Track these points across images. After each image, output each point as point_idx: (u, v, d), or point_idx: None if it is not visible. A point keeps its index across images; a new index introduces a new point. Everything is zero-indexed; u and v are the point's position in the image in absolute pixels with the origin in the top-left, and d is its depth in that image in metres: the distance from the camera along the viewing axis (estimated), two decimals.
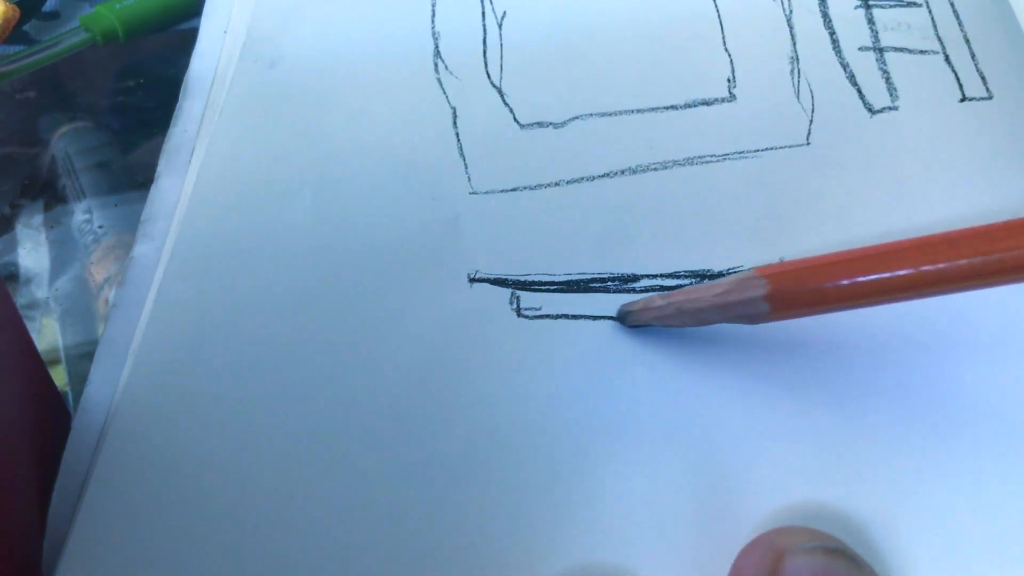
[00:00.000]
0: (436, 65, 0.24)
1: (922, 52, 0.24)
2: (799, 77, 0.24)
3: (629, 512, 0.18)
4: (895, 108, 0.23)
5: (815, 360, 0.20)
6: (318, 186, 0.23)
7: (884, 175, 0.22)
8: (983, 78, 0.24)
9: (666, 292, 0.20)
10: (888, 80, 0.24)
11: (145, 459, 0.19)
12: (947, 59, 0.24)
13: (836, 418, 0.19)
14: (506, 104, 0.24)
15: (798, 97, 0.24)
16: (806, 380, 0.19)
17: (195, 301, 0.21)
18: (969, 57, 0.24)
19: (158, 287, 0.21)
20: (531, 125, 0.23)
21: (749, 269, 0.18)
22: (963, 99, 0.23)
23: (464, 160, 0.23)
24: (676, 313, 0.19)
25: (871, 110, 0.23)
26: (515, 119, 0.24)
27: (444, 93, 0.24)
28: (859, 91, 0.24)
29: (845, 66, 0.24)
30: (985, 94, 0.23)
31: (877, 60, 0.24)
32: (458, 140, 0.23)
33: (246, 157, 0.23)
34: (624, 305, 0.20)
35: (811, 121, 0.23)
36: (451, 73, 0.24)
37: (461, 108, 0.24)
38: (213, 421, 0.19)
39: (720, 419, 0.19)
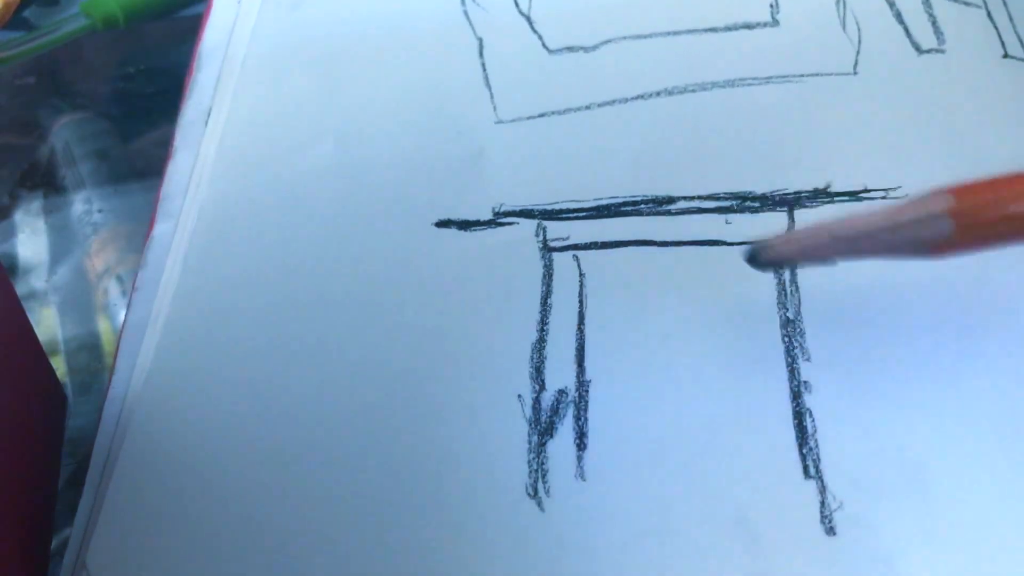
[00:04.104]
0: None
1: (966, 4, 0.25)
2: (844, 9, 0.25)
3: (662, 444, 0.18)
4: (942, 51, 0.24)
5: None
6: (342, 128, 0.24)
7: (931, 113, 0.23)
8: (1020, 39, 0.24)
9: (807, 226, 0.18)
10: (935, 24, 0.25)
11: (172, 442, 0.19)
12: (989, 15, 0.25)
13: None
14: (534, 31, 0.25)
15: (844, 28, 0.25)
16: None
17: (221, 264, 0.22)
18: (1008, 19, 0.25)
19: (185, 255, 0.22)
20: (560, 50, 0.24)
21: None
22: (1005, 55, 0.24)
23: (490, 89, 0.24)
24: (830, 241, 0.18)
25: (918, 49, 0.24)
26: (544, 45, 0.25)
27: (470, 24, 0.25)
28: (906, 29, 0.25)
29: (891, 4, 0.25)
30: (1023, 55, 0.24)
31: (923, 3, 0.25)
32: (484, 70, 0.24)
33: (271, 105, 0.24)
34: (756, 242, 0.19)
35: (858, 52, 0.24)
36: (478, 4, 0.26)
37: (488, 38, 0.25)
38: (245, 392, 0.20)
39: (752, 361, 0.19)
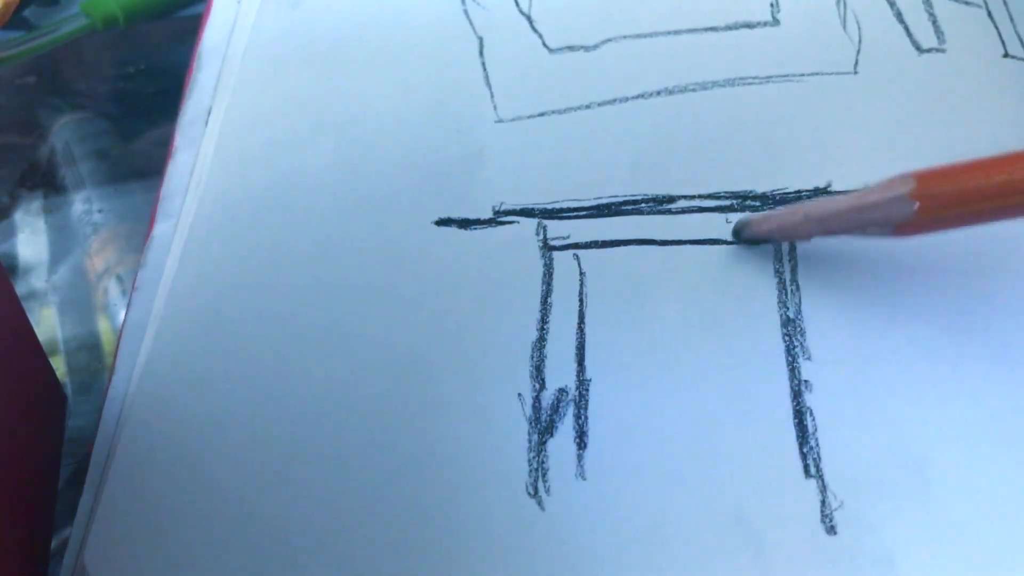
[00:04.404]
0: None
1: (966, 3, 0.25)
2: (845, 8, 0.25)
3: (663, 443, 0.18)
4: (943, 51, 0.24)
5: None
6: (342, 126, 0.24)
7: (932, 112, 0.23)
8: (1020, 39, 0.25)
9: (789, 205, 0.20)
10: (935, 23, 0.25)
11: (169, 440, 0.19)
12: (989, 14, 0.25)
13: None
14: (535, 30, 0.25)
15: (844, 27, 0.25)
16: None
17: (218, 263, 0.22)
18: (1008, 19, 0.25)
19: (182, 252, 0.22)
20: (561, 49, 0.25)
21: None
22: (1005, 55, 0.24)
23: (490, 88, 0.24)
24: (803, 220, 0.19)
25: (919, 49, 0.24)
26: (544, 44, 0.25)
27: (470, 23, 0.25)
28: (906, 28, 0.25)
29: (892, 3, 0.25)
30: (1023, 54, 0.24)
31: (923, 2, 0.25)
32: (484, 69, 0.24)
33: (270, 103, 0.24)
34: (741, 219, 0.21)
35: (858, 51, 0.24)
36: (478, 3, 0.26)
37: (488, 37, 0.25)
38: (242, 390, 0.20)
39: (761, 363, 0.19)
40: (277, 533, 0.18)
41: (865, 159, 0.22)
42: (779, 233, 0.20)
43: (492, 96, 0.24)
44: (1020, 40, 0.24)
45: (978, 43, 0.24)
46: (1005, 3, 0.25)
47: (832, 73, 0.24)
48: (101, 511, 0.18)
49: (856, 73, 0.24)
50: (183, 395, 0.20)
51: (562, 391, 0.19)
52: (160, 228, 0.23)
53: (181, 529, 0.18)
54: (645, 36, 0.24)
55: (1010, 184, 0.17)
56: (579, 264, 0.21)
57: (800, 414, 0.18)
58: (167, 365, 0.20)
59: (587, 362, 0.19)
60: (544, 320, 0.20)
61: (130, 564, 0.18)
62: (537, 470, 0.18)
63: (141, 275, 0.22)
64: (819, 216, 0.19)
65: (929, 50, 0.24)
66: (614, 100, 0.23)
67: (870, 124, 0.23)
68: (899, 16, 0.25)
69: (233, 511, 0.18)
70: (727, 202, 0.21)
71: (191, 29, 0.27)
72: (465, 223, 0.22)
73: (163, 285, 0.22)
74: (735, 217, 0.21)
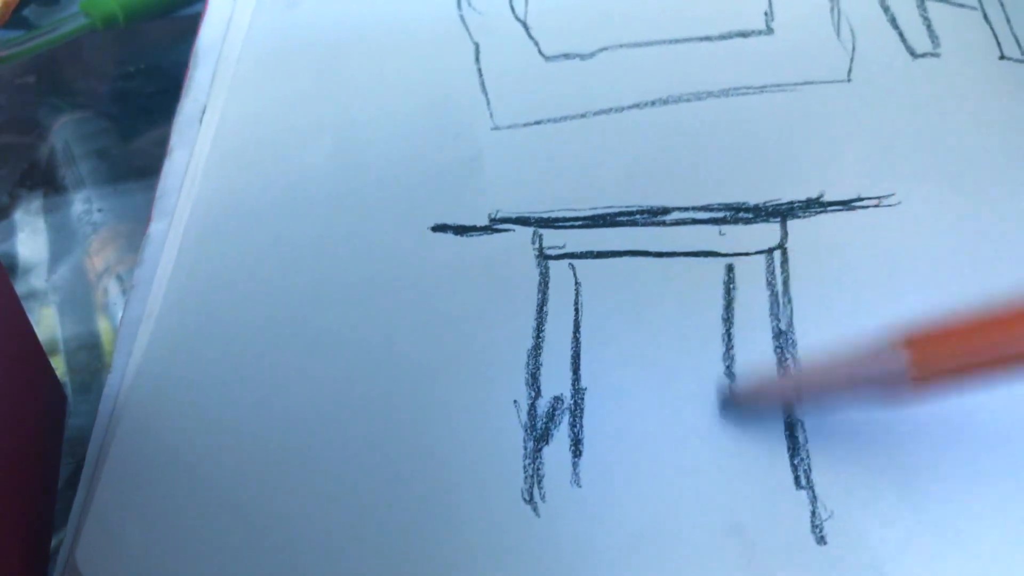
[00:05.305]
0: (459, 1, 0.26)
1: (961, 6, 0.25)
2: (839, 15, 0.25)
3: (657, 452, 0.18)
4: (937, 55, 0.24)
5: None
6: (337, 129, 0.24)
7: (927, 117, 0.23)
8: (1017, 40, 0.24)
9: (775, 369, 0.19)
10: (929, 27, 0.25)
11: (161, 439, 0.19)
12: (985, 16, 0.25)
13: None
14: (531, 37, 0.25)
15: (838, 34, 0.25)
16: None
17: (213, 262, 0.22)
18: (1004, 20, 0.25)
19: (177, 251, 0.22)
20: (557, 57, 0.25)
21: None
22: (1001, 57, 0.24)
23: (486, 95, 0.24)
24: (795, 389, 0.18)
25: (913, 54, 0.24)
26: (540, 52, 0.25)
27: (467, 29, 0.25)
28: (900, 34, 0.25)
29: (886, 9, 0.25)
30: (1020, 56, 0.24)
31: (918, 7, 0.25)
32: (480, 75, 0.24)
33: (265, 103, 0.24)
34: (725, 387, 0.19)
35: (852, 59, 0.24)
36: (474, 9, 0.26)
37: (484, 43, 0.25)
38: (234, 391, 0.20)
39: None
40: (266, 534, 0.18)
41: (859, 167, 0.22)
42: (772, 403, 0.19)
43: (488, 103, 0.24)
44: (1016, 41, 0.24)
45: (973, 46, 0.24)
46: (1001, 4, 0.25)
47: (826, 82, 0.23)
48: (93, 510, 0.18)
49: (850, 81, 0.23)
50: (177, 394, 0.20)
51: (557, 399, 0.19)
52: (156, 226, 0.23)
53: (173, 528, 0.18)
54: (640, 45, 0.24)
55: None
56: (575, 274, 0.21)
57: (791, 426, 0.19)
58: (161, 364, 0.20)
59: (582, 371, 0.20)
60: (540, 328, 0.20)
61: (122, 563, 0.18)
62: (533, 477, 0.18)
63: (137, 273, 0.22)
64: (813, 383, 0.18)
65: (923, 55, 0.24)
66: (609, 110, 0.23)
67: (864, 132, 0.22)
68: (893, 21, 0.25)
69: (226, 512, 0.18)
70: (720, 214, 0.21)
71: (191, 28, 0.27)
72: (461, 229, 0.22)
73: (158, 283, 0.22)
74: (729, 229, 0.21)
